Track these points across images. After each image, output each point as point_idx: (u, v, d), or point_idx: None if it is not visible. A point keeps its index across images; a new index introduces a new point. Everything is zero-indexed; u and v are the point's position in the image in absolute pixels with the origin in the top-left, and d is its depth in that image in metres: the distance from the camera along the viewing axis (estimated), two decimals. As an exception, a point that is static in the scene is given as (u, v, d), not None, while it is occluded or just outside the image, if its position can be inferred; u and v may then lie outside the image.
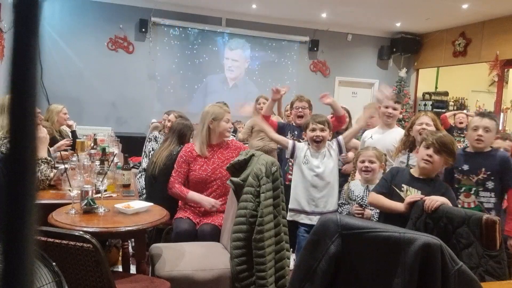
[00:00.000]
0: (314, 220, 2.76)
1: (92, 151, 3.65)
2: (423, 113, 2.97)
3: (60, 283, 1.29)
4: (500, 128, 7.35)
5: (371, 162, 2.78)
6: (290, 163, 3.30)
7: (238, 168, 2.49)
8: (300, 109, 3.54)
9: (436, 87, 9.02)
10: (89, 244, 1.67)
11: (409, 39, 8.46)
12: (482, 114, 2.63)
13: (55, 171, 2.64)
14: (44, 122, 4.25)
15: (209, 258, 2.41)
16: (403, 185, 2.22)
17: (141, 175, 3.75)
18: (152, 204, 2.45)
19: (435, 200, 1.96)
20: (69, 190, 2.21)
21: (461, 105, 8.62)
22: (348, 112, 4.00)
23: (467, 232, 1.80)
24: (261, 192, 2.30)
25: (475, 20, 7.22)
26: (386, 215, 2.22)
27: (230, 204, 2.63)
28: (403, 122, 7.82)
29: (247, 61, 8.04)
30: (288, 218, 2.67)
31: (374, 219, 2.56)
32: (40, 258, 1.29)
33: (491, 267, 1.73)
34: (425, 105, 8.53)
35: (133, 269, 2.64)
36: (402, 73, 8.62)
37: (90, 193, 2.25)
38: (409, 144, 2.88)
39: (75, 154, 3.40)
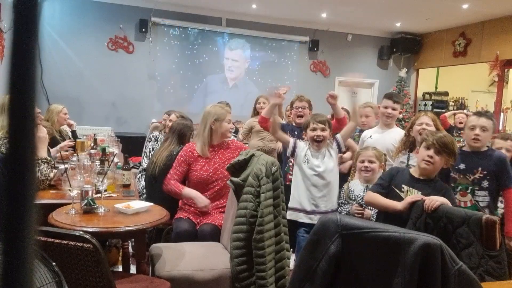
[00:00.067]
0: (314, 219, 2.76)
1: (92, 151, 3.65)
2: (423, 113, 2.97)
3: (60, 283, 1.29)
4: (500, 128, 7.36)
5: (370, 162, 2.78)
6: (290, 163, 3.30)
7: (238, 168, 2.49)
8: (300, 109, 3.54)
9: (436, 87, 9.02)
10: (89, 244, 1.67)
11: (409, 39, 8.46)
12: (479, 114, 2.63)
13: (55, 171, 2.64)
14: (44, 122, 4.25)
15: (209, 258, 2.41)
16: (403, 185, 2.22)
17: (141, 175, 3.76)
18: (152, 204, 2.45)
19: (435, 200, 1.96)
20: (69, 190, 2.21)
21: (461, 105, 8.62)
22: (348, 112, 4.01)
23: (467, 232, 1.80)
24: (261, 192, 2.30)
25: (475, 20, 7.22)
26: (386, 215, 2.22)
27: (230, 204, 2.63)
28: (403, 122, 7.82)
29: (247, 61, 8.04)
30: (287, 217, 2.67)
31: (374, 219, 2.56)
32: (40, 258, 1.29)
33: (491, 267, 1.74)
34: (425, 105, 8.53)
35: (133, 269, 2.64)
36: (402, 73, 8.62)
37: (90, 193, 2.25)
38: (409, 144, 2.88)
39: (75, 154, 3.40)
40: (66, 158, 3.29)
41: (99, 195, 2.33)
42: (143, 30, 7.20)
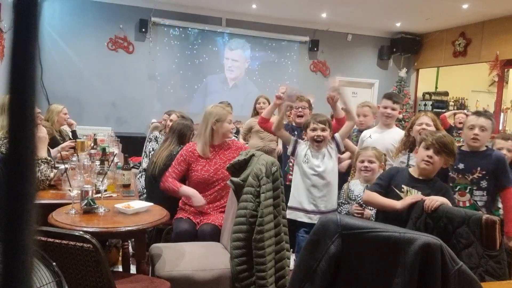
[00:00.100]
0: (313, 219, 2.76)
1: (92, 151, 3.65)
2: (423, 113, 2.97)
3: (60, 283, 1.29)
4: (500, 128, 7.36)
5: (370, 162, 2.78)
6: (290, 164, 3.30)
7: (238, 168, 2.49)
8: (300, 109, 3.54)
9: (436, 87, 9.02)
10: (89, 244, 1.67)
11: (409, 39, 8.46)
12: (478, 113, 2.63)
13: (55, 171, 2.64)
14: (44, 122, 4.25)
15: (209, 258, 2.41)
16: (403, 186, 2.21)
17: (141, 175, 3.76)
18: (152, 204, 2.44)
19: (435, 200, 1.96)
20: (69, 190, 2.21)
21: (461, 105, 8.63)
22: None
23: (467, 232, 1.80)
24: (261, 192, 2.30)
25: (475, 20, 7.22)
26: (385, 215, 2.22)
27: (230, 204, 2.63)
28: (403, 122, 7.82)
29: (247, 61, 8.04)
30: (287, 216, 2.67)
31: (373, 219, 2.55)
32: (40, 258, 1.29)
33: (491, 267, 1.74)
34: (425, 105, 8.53)
35: (133, 269, 2.64)
36: (402, 73, 8.62)
37: (90, 193, 2.25)
38: (409, 145, 2.88)
39: (75, 154, 3.40)
40: (66, 158, 3.29)
41: (99, 195, 2.33)
42: (143, 30, 7.20)
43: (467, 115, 5.39)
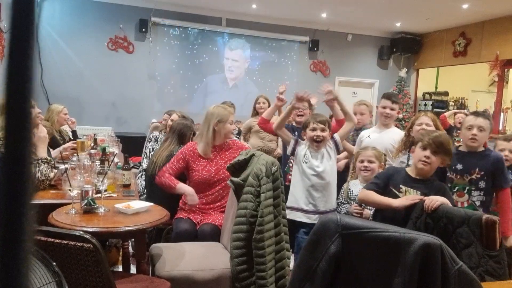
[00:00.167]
0: (312, 218, 2.76)
1: (92, 151, 3.65)
2: (423, 113, 2.97)
3: (60, 283, 1.29)
4: (500, 128, 7.36)
5: (370, 162, 2.78)
6: (290, 164, 3.30)
7: (238, 168, 2.49)
8: (300, 109, 3.53)
9: (436, 87, 9.02)
10: (89, 244, 1.67)
11: (409, 39, 8.46)
12: (476, 114, 2.63)
13: (55, 171, 2.64)
14: (44, 122, 4.25)
15: (209, 258, 2.41)
16: (401, 186, 2.21)
17: (141, 175, 3.76)
18: (152, 204, 2.44)
19: (435, 200, 1.95)
20: (69, 190, 2.21)
21: (461, 105, 8.63)
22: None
23: (467, 232, 1.80)
24: (261, 192, 2.30)
25: (475, 20, 7.22)
26: (383, 216, 2.21)
27: (230, 204, 2.63)
28: (403, 122, 7.82)
29: (247, 61, 8.04)
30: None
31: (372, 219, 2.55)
32: (40, 258, 1.29)
33: (491, 267, 1.73)
34: (425, 105, 8.53)
35: (133, 269, 2.64)
36: (402, 73, 8.62)
37: (90, 193, 2.24)
38: (409, 144, 2.88)
39: (75, 154, 3.40)
40: (66, 158, 3.29)
41: (99, 195, 2.33)
42: (143, 30, 7.21)
43: (466, 115, 5.39)
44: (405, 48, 8.45)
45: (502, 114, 7.52)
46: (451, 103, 8.74)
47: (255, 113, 4.58)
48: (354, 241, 1.35)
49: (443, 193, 2.14)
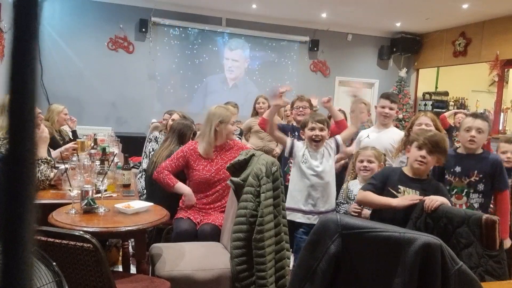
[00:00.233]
0: (312, 219, 2.75)
1: (92, 151, 3.65)
2: (422, 114, 2.97)
3: (60, 283, 1.29)
4: (500, 128, 7.35)
5: (370, 161, 2.78)
6: (290, 164, 3.29)
7: (238, 168, 2.49)
8: (301, 109, 3.54)
9: (436, 87, 9.02)
10: (89, 244, 1.67)
11: (409, 39, 8.46)
12: (474, 115, 2.62)
13: (55, 171, 2.64)
14: (44, 122, 4.25)
15: (209, 258, 2.41)
16: (399, 186, 2.20)
17: (141, 175, 3.76)
18: (152, 204, 2.45)
19: (435, 200, 1.95)
20: (69, 190, 2.21)
21: (461, 105, 8.63)
22: (344, 114, 4.02)
23: (467, 232, 1.80)
24: (261, 192, 2.30)
25: (475, 20, 7.22)
26: (380, 216, 2.20)
27: (230, 204, 2.63)
28: (403, 122, 7.83)
29: (247, 61, 8.04)
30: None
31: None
32: (40, 258, 1.29)
33: (491, 267, 1.74)
34: (425, 105, 8.53)
35: (133, 269, 2.65)
36: (402, 73, 8.62)
37: (90, 193, 2.25)
38: (409, 144, 2.88)
39: (75, 154, 3.40)
40: (66, 158, 3.29)
41: (99, 195, 2.33)
42: (143, 30, 7.21)
43: (466, 115, 5.39)
44: (405, 48, 8.45)
45: (502, 114, 7.52)
46: (451, 103, 8.74)
47: (255, 113, 4.58)
48: (354, 241, 1.35)
49: (441, 192, 2.14)
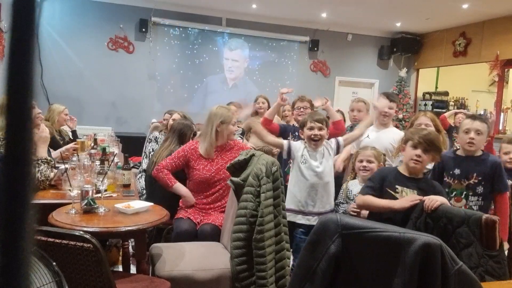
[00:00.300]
0: (311, 220, 2.74)
1: (92, 151, 3.65)
2: (422, 114, 2.97)
3: (60, 283, 1.29)
4: (500, 128, 7.35)
5: (369, 161, 2.77)
6: (290, 164, 3.29)
7: (238, 168, 2.49)
8: (301, 109, 3.53)
9: (436, 87, 9.02)
10: (89, 244, 1.67)
11: (409, 39, 8.46)
12: (473, 117, 2.62)
13: (55, 171, 2.64)
14: (44, 122, 4.25)
15: (209, 258, 2.41)
16: (397, 186, 2.20)
17: (141, 175, 3.76)
18: (152, 204, 2.45)
19: (435, 200, 1.95)
20: (69, 190, 2.21)
21: (461, 105, 8.63)
22: (343, 115, 4.02)
23: (467, 232, 1.80)
24: (262, 192, 2.30)
25: (475, 20, 7.22)
26: (381, 216, 2.19)
27: (230, 204, 2.63)
28: (403, 122, 7.83)
29: (246, 61, 8.04)
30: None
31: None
32: (40, 258, 1.29)
33: (491, 267, 1.74)
34: (425, 105, 8.53)
35: (133, 269, 2.64)
36: (402, 73, 8.62)
37: (90, 193, 2.25)
38: (404, 143, 2.88)
39: (75, 154, 3.40)
40: (66, 158, 3.29)
41: (99, 195, 2.33)
42: (143, 30, 7.21)
43: (466, 116, 5.38)
44: (405, 48, 8.44)
45: (502, 114, 7.52)
46: (451, 103, 8.74)
47: (255, 113, 4.58)
48: (354, 241, 1.35)
49: (438, 191, 2.14)
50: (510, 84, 8.05)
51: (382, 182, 2.23)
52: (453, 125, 5.27)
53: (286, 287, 2.33)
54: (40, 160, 2.56)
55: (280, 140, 3.02)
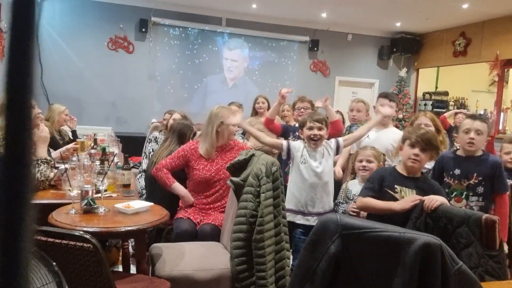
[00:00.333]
0: (311, 220, 2.73)
1: (92, 151, 3.65)
2: (422, 114, 2.97)
3: (60, 283, 1.29)
4: (500, 128, 7.35)
5: (369, 161, 2.77)
6: (290, 164, 3.29)
7: (238, 168, 2.49)
8: (302, 110, 3.54)
9: (436, 87, 9.02)
10: (89, 244, 1.67)
11: (409, 39, 8.46)
12: (473, 117, 2.61)
13: (55, 171, 2.64)
14: (44, 122, 4.25)
15: (209, 258, 2.41)
16: (396, 186, 2.20)
17: (141, 175, 3.76)
18: (152, 204, 2.45)
19: (435, 200, 1.95)
20: (69, 190, 2.21)
21: (461, 105, 8.63)
22: (342, 115, 4.03)
23: (467, 232, 1.80)
24: (261, 192, 2.30)
25: (475, 20, 7.22)
26: (376, 218, 2.18)
27: (230, 204, 2.63)
28: (403, 122, 7.83)
29: (246, 61, 8.04)
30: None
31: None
32: (40, 258, 1.29)
33: (491, 267, 1.73)
34: (425, 105, 8.53)
35: (133, 269, 2.64)
36: (402, 73, 8.62)
37: (90, 193, 2.25)
38: (401, 143, 2.87)
39: (75, 154, 3.40)
40: (66, 158, 3.29)
41: (99, 195, 2.33)
42: (143, 30, 7.21)
43: (466, 116, 5.37)
44: (405, 48, 8.45)
45: (502, 114, 7.52)
46: (451, 103, 8.74)
47: (255, 113, 4.58)
48: (354, 241, 1.35)
49: (437, 190, 2.14)
50: (510, 84, 8.05)
51: (381, 183, 2.23)
52: (453, 125, 5.27)
53: (286, 287, 2.33)
54: (40, 160, 2.56)
55: (279, 141, 3.02)
